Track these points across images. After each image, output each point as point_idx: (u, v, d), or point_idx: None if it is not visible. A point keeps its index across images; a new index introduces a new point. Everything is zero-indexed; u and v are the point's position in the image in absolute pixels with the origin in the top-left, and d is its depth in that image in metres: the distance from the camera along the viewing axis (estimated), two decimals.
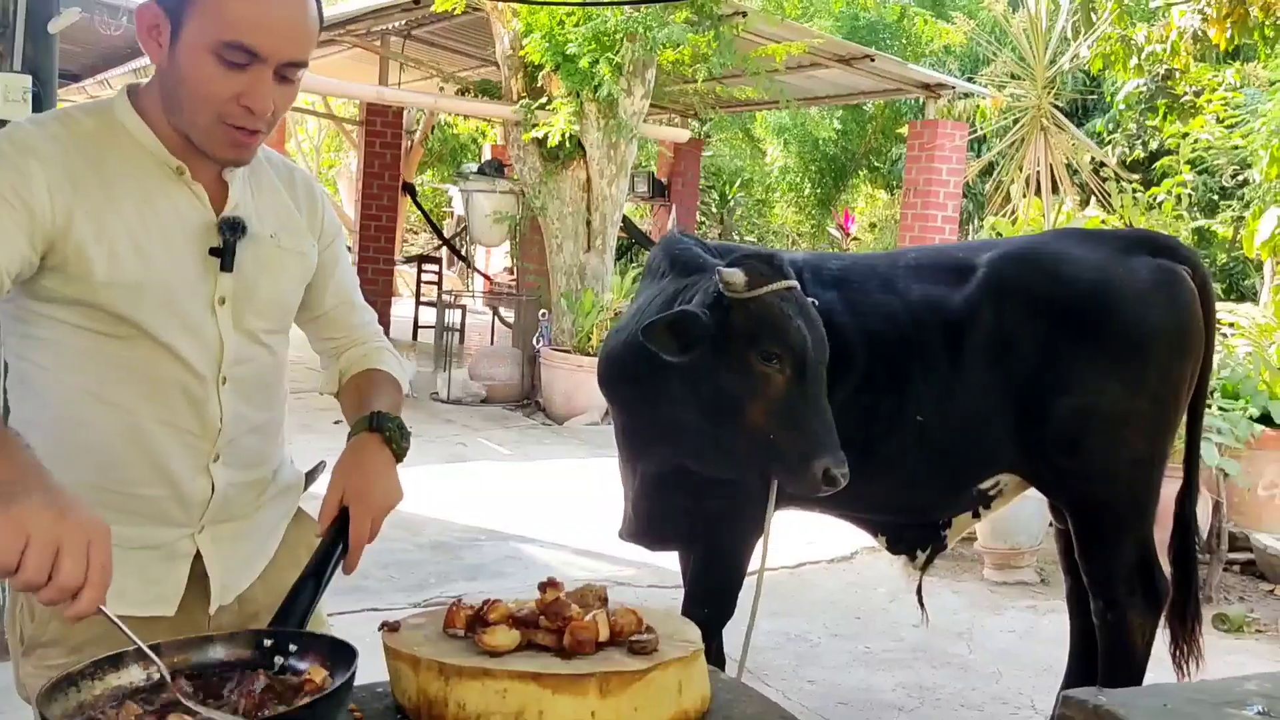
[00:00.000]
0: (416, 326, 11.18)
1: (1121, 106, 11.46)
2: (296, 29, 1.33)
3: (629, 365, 2.62)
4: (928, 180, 9.38)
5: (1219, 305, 3.56)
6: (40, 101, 3.34)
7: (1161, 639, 2.94)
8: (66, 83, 9.81)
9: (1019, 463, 2.87)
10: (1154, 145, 11.81)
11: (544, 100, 8.19)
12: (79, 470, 1.33)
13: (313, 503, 1.54)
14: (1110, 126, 12.55)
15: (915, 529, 3.03)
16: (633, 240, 11.20)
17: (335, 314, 1.65)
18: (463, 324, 9.61)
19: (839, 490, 2.31)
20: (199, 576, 1.47)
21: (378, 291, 11.14)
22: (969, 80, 11.48)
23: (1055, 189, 10.93)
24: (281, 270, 1.50)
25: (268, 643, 1.21)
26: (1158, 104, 11.19)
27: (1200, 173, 10.26)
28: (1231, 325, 6.80)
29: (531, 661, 1.20)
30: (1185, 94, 10.31)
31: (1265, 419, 5.26)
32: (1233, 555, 5.08)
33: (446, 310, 9.29)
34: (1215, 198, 11.17)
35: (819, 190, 15.78)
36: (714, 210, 16.66)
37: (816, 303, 2.52)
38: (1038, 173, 10.99)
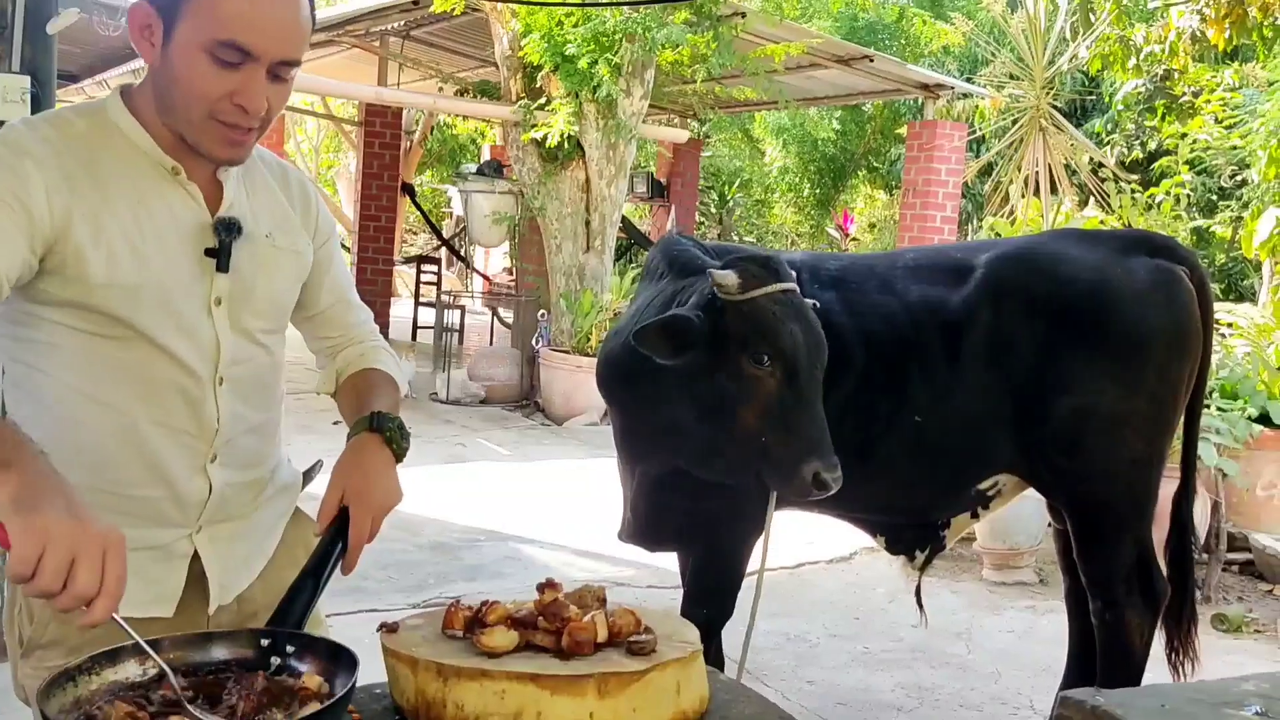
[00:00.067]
0: (415, 327, 11.18)
1: (1120, 107, 11.46)
2: (289, 28, 1.33)
3: (627, 367, 2.62)
4: (926, 181, 9.39)
5: (1217, 305, 3.57)
6: (39, 102, 3.33)
7: (1159, 639, 2.94)
8: (65, 84, 9.81)
9: (1017, 463, 2.87)
10: (1152, 146, 11.82)
11: (543, 101, 8.19)
12: (76, 472, 1.33)
13: (310, 502, 1.54)
14: (1109, 127, 12.55)
15: (914, 529, 3.03)
16: (632, 241, 11.20)
17: (331, 313, 1.65)
18: (462, 324, 9.61)
19: (837, 491, 2.31)
20: (197, 577, 1.47)
21: (377, 292, 11.14)
22: (968, 81, 11.48)
23: (1054, 189, 10.92)
24: (277, 270, 1.50)
25: (265, 642, 1.21)
26: (1156, 104, 11.20)
27: (1199, 173, 10.26)
28: (1230, 325, 6.80)
29: (530, 662, 1.20)
30: (1184, 94, 10.32)
31: (1264, 419, 5.27)
32: (1231, 555, 5.09)
33: (445, 311, 9.29)
34: (1214, 198, 11.17)
35: (818, 191, 15.77)
36: (713, 211, 16.66)
37: (817, 304, 2.51)
38: (1036, 173, 10.99)
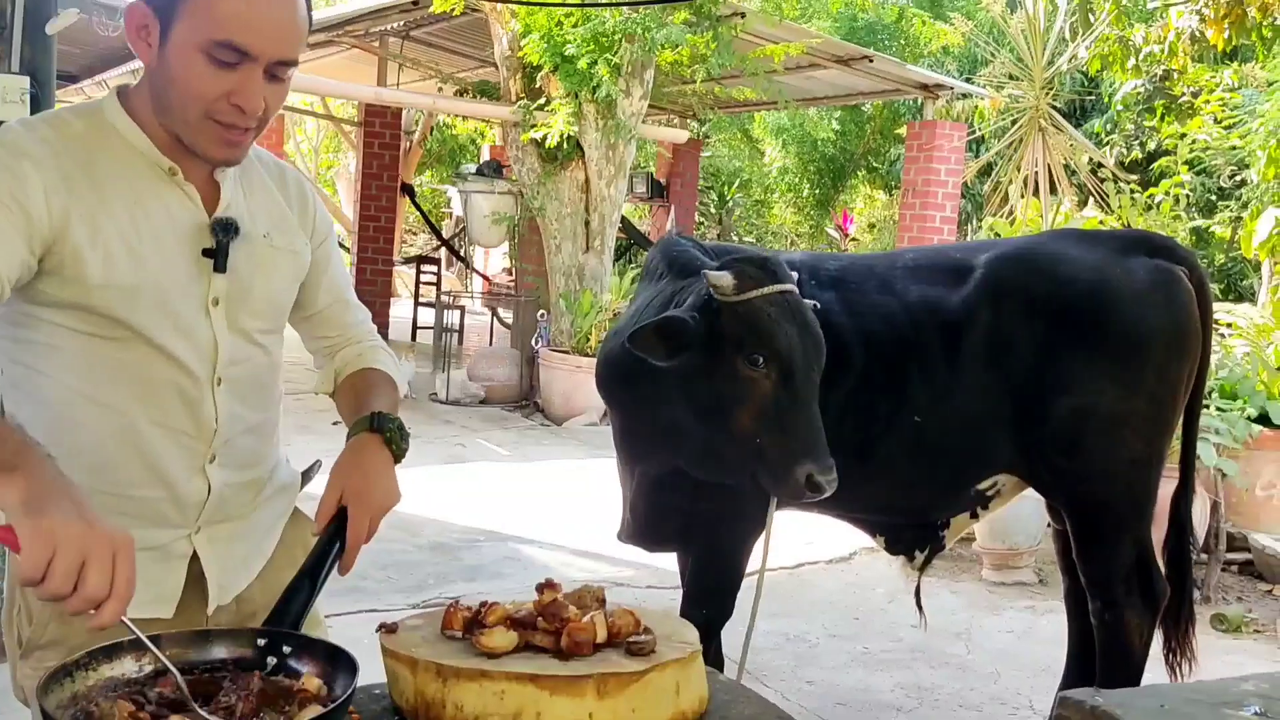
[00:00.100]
0: (415, 327, 11.18)
1: (1119, 107, 11.47)
2: (286, 27, 1.33)
3: (627, 368, 2.62)
4: (926, 181, 9.39)
5: (1217, 305, 3.57)
6: (38, 103, 3.33)
7: (1158, 639, 2.94)
8: (64, 84, 9.80)
9: (1017, 463, 2.87)
10: (1152, 146, 11.83)
11: (542, 101, 8.19)
12: (75, 473, 1.32)
13: (309, 502, 1.54)
14: (1108, 127, 12.56)
15: (913, 529, 3.03)
16: (631, 241, 11.20)
17: (329, 312, 1.65)
18: (461, 325, 9.60)
19: (837, 492, 2.31)
20: (196, 577, 1.47)
21: (376, 292, 11.14)
22: (967, 81, 11.48)
23: (1053, 189, 10.93)
24: (275, 270, 1.50)
25: (261, 642, 1.22)
26: (1155, 105, 11.20)
27: (1198, 173, 10.26)
28: (1229, 325, 6.80)
29: (529, 663, 1.20)
30: (1183, 94, 10.32)
31: (1263, 419, 5.27)
32: (1231, 555, 5.09)
33: (445, 311, 9.29)
34: (1213, 198, 11.18)
35: (817, 191, 15.78)
36: (712, 211, 16.66)
37: (818, 305, 2.51)
38: (1036, 173, 10.99)
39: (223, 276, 1.41)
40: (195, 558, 1.47)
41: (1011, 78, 11.60)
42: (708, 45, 7.63)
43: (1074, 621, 3.11)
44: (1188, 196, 9.83)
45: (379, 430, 1.47)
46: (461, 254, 13.72)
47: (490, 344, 10.34)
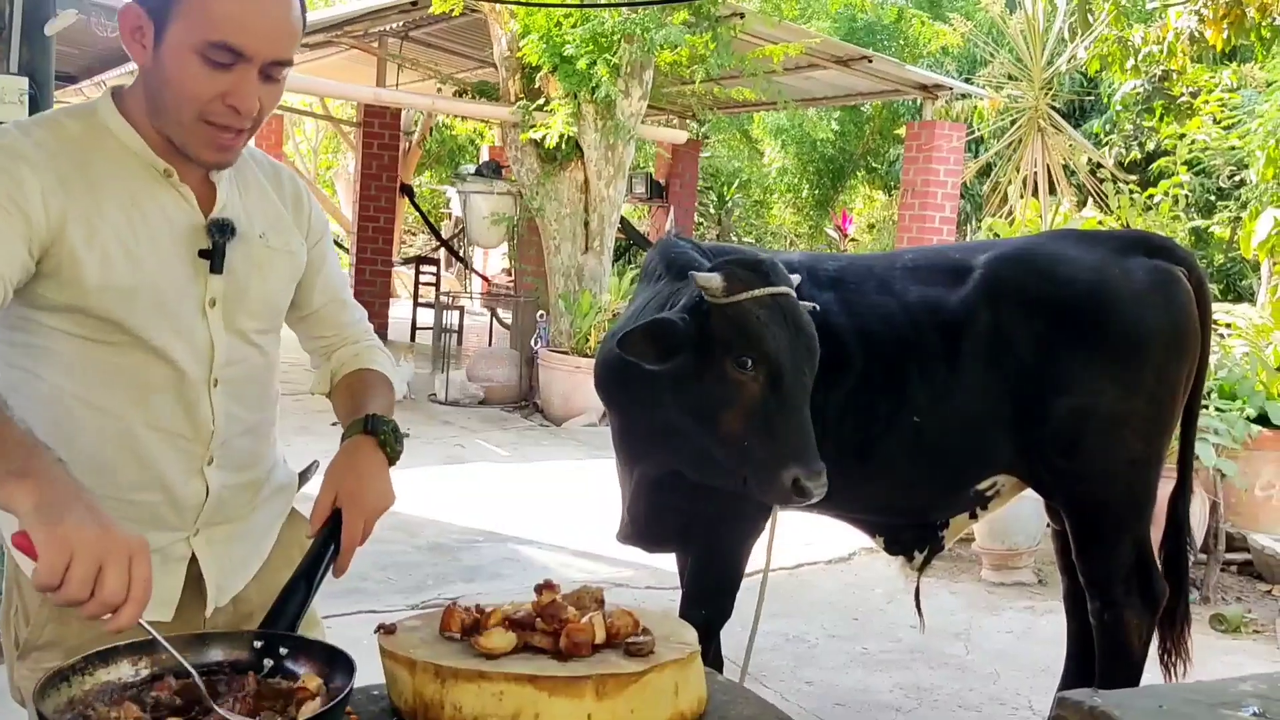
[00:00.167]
0: (414, 328, 11.18)
1: (1118, 107, 11.47)
2: (281, 28, 1.33)
3: (624, 370, 2.61)
4: (925, 181, 9.39)
5: (1216, 306, 3.57)
6: (37, 104, 3.33)
7: (1156, 640, 2.94)
8: (63, 85, 9.80)
9: (1016, 464, 2.87)
10: (1151, 146, 11.82)
11: (542, 101, 8.19)
12: None
13: (306, 503, 1.54)
14: (1107, 127, 12.56)
15: (912, 530, 3.03)
16: (631, 241, 11.20)
17: (325, 312, 1.64)
18: (460, 325, 9.61)
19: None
20: (194, 579, 1.47)
21: (375, 293, 11.15)
22: (966, 81, 11.48)
23: (1052, 190, 10.93)
24: (271, 270, 1.49)
25: (258, 644, 1.21)
26: (1155, 105, 11.20)
27: (1197, 174, 10.26)
28: (1228, 326, 6.80)
29: (528, 664, 1.20)
30: (1182, 95, 10.32)
31: (1262, 419, 5.27)
32: (1230, 556, 5.09)
33: (444, 312, 9.29)
34: (1212, 198, 11.18)
35: (817, 191, 15.78)
36: (712, 211, 16.66)
37: (817, 307, 2.50)
38: (1035, 174, 11.00)
39: (219, 277, 1.41)
40: (193, 560, 1.47)
41: (1010, 78, 11.61)
42: (707, 46, 7.63)
43: (1073, 622, 3.11)
44: (1187, 197, 9.83)
45: (373, 432, 1.47)
46: (461, 255, 13.72)
47: (489, 345, 10.34)
